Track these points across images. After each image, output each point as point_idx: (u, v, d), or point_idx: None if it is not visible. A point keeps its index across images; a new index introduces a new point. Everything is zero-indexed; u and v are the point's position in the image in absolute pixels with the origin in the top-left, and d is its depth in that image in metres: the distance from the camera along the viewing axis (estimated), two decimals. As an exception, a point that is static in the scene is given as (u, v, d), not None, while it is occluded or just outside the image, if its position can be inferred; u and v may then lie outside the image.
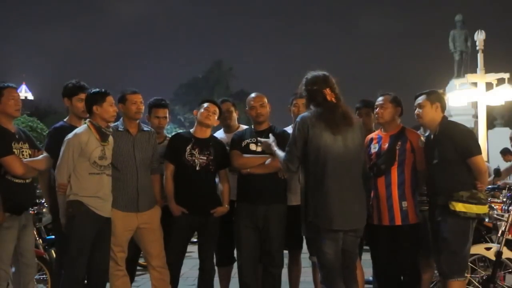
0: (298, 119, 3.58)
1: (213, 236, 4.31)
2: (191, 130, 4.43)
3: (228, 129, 4.78)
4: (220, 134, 4.80)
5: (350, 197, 3.49)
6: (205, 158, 4.25)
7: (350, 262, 3.56)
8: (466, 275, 4.03)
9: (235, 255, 4.53)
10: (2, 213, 3.70)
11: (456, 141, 3.82)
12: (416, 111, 4.00)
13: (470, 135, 3.95)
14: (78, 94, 4.22)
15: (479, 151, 3.89)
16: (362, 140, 3.71)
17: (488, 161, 9.81)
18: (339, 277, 3.46)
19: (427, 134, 4.10)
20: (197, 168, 4.22)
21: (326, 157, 3.43)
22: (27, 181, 3.94)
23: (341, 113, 3.51)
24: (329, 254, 3.43)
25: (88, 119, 3.94)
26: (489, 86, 10.96)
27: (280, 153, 3.73)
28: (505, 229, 4.40)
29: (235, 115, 4.85)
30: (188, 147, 4.25)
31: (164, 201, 4.30)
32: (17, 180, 3.81)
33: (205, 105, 4.35)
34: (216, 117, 4.35)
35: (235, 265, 4.57)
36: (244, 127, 4.75)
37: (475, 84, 11.08)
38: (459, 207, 3.71)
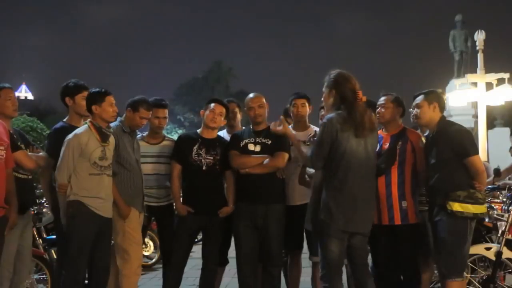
0: (325, 120, 3.55)
1: (217, 236, 4.33)
2: (198, 131, 4.45)
3: (231, 129, 4.78)
4: (223, 134, 4.80)
5: (365, 202, 3.59)
6: (211, 158, 4.26)
7: (360, 259, 3.66)
8: (465, 275, 4.03)
9: (229, 256, 4.54)
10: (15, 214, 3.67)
11: (453, 141, 3.81)
12: (414, 112, 4.00)
13: (466, 135, 3.90)
14: (82, 92, 4.20)
15: (475, 151, 3.88)
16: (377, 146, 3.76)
17: (488, 161, 9.79)
18: (339, 276, 3.56)
19: (426, 134, 4.10)
20: (204, 168, 4.24)
21: (350, 161, 3.49)
22: (29, 177, 3.99)
23: (369, 116, 3.57)
24: (335, 252, 3.51)
25: (89, 120, 3.95)
26: (489, 86, 10.98)
27: (305, 150, 3.78)
28: (505, 229, 4.39)
29: (239, 116, 4.86)
30: (195, 147, 4.28)
31: (167, 200, 4.42)
32: (21, 175, 3.85)
33: (211, 106, 4.35)
34: (222, 118, 4.36)
35: (230, 266, 4.57)
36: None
37: (475, 84, 11.09)
38: (456, 207, 3.71)
